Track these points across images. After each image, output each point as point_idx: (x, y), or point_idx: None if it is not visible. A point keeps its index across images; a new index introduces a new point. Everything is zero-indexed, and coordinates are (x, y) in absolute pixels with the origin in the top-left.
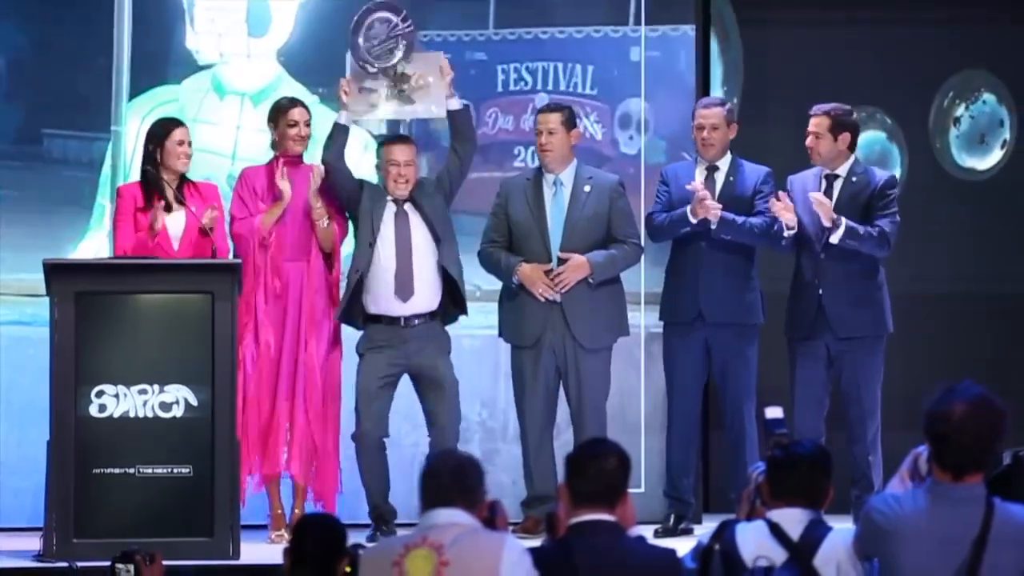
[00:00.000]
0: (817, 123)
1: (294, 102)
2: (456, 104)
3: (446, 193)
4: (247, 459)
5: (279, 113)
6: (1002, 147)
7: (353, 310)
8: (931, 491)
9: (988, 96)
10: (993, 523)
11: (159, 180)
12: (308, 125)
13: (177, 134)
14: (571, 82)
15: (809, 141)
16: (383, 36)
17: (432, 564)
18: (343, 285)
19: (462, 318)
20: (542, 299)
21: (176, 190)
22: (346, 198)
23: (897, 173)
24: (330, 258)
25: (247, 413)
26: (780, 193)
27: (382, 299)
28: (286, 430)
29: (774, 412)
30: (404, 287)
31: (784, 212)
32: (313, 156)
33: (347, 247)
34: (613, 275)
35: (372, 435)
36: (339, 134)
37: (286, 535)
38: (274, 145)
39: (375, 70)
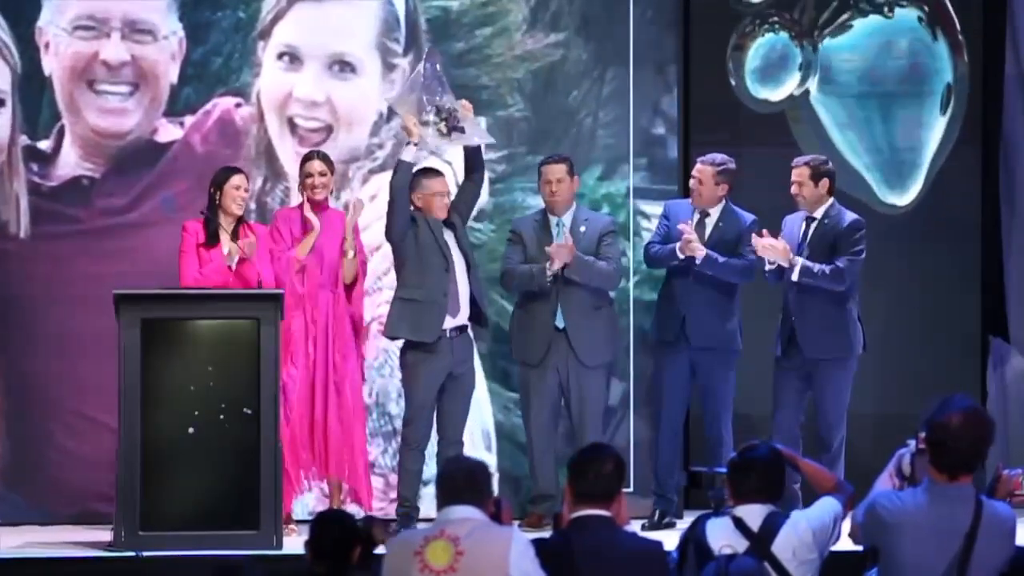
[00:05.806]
0: (799, 173)
1: (311, 155)
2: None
3: (463, 218)
4: (297, 465)
5: (300, 167)
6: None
7: (398, 325)
8: (928, 490)
9: None
10: (982, 518)
11: (217, 220)
12: (324, 175)
13: (235, 180)
14: None
15: (793, 189)
16: (430, 78)
17: (450, 554)
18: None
19: None
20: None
21: (233, 229)
22: (396, 229)
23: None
24: (349, 289)
25: (293, 426)
26: (763, 232)
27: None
28: (324, 440)
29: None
30: (454, 303)
31: (765, 249)
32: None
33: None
34: (589, 276)
35: (422, 442)
36: (404, 171)
37: (295, 528)
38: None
39: (431, 106)
